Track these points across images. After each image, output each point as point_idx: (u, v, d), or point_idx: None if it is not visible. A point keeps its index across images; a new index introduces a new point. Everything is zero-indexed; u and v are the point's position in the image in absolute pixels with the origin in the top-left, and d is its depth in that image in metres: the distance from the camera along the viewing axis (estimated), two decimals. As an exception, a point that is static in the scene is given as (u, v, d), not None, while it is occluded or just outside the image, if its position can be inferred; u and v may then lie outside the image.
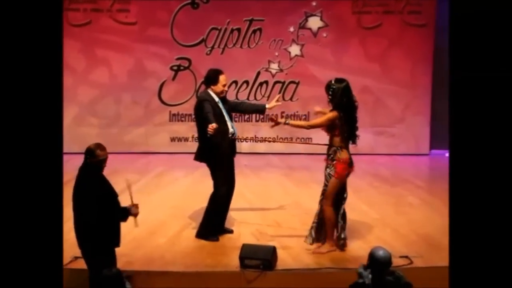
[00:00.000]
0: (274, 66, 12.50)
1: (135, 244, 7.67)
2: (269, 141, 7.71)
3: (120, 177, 10.54)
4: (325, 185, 7.47)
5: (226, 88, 7.81)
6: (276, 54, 12.49)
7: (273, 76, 12.53)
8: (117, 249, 7.37)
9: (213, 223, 7.87)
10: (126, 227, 8.19)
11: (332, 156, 7.40)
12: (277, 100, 8.05)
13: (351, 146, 7.42)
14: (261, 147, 12.18)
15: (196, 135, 12.31)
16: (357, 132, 7.41)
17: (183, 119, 12.44)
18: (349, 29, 12.49)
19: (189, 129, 12.41)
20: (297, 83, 12.55)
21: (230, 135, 7.72)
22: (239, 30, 12.43)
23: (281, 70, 12.52)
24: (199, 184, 10.17)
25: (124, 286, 4.95)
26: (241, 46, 12.43)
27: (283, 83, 12.54)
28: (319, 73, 12.52)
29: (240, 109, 8.29)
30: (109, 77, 12.43)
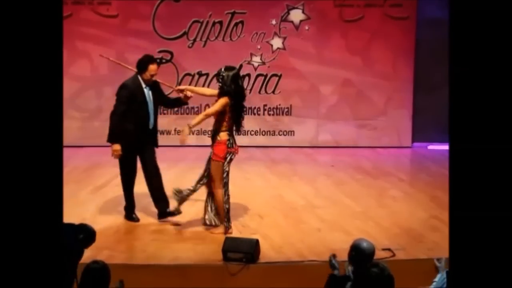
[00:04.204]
0: (256, 59, 12.48)
1: (118, 237, 7.66)
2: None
3: (102, 170, 10.54)
4: (204, 170, 7.78)
5: (152, 78, 8.02)
6: (258, 47, 12.47)
7: (255, 69, 12.51)
8: (100, 242, 7.38)
9: (126, 202, 8.24)
10: (109, 221, 8.20)
11: (214, 141, 7.73)
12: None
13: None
14: (244, 140, 12.16)
15: (178, 128, 12.43)
16: (243, 122, 7.82)
17: (165, 112, 12.35)
18: (331, 22, 12.48)
19: (171, 122, 12.39)
20: (279, 76, 12.54)
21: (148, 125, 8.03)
22: (221, 23, 12.40)
23: (263, 63, 12.50)
24: (182, 177, 10.16)
25: (109, 280, 4.94)
26: (223, 39, 12.40)
27: (265, 76, 12.52)
28: (301, 66, 12.53)
29: (163, 103, 8.52)
30: (91, 70, 12.36)
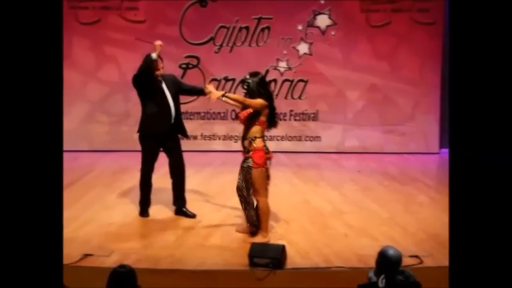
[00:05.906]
0: (282, 65, 12.48)
1: (144, 242, 7.68)
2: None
3: (128, 174, 10.59)
4: (239, 180, 7.62)
5: (161, 70, 8.15)
6: (285, 52, 12.47)
7: (281, 74, 12.51)
8: (125, 247, 7.42)
9: (141, 199, 8.38)
10: (136, 225, 8.23)
11: (247, 148, 7.52)
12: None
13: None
14: (270, 145, 12.16)
15: (204, 133, 12.47)
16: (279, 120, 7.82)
17: (191, 117, 12.41)
18: (358, 27, 12.45)
19: (198, 127, 12.42)
20: (306, 82, 12.53)
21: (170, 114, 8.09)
22: (247, 28, 12.42)
23: (290, 69, 12.50)
24: (209, 181, 10.19)
25: (136, 284, 4.96)
26: (249, 45, 12.42)
27: (292, 81, 12.52)
28: (328, 71, 12.51)
29: (182, 90, 8.43)
30: (118, 75, 12.42)
